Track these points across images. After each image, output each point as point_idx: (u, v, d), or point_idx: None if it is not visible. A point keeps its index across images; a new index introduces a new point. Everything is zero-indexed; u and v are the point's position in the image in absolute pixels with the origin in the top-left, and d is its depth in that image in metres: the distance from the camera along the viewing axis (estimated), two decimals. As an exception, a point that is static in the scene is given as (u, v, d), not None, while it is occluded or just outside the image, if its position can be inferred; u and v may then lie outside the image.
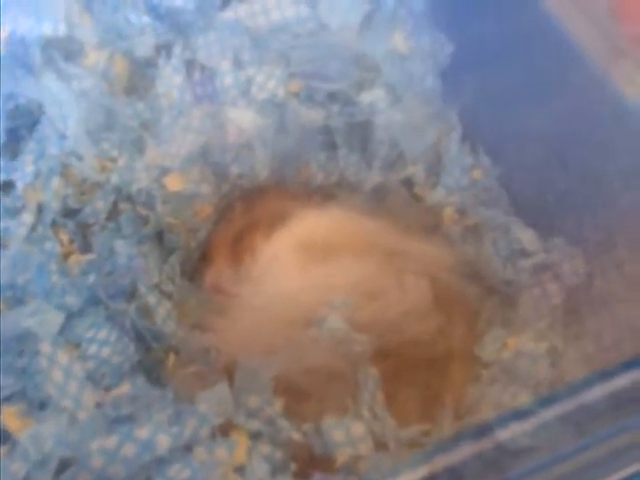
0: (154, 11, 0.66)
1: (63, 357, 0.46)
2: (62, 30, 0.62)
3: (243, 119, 0.60)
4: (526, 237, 0.58)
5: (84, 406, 0.45)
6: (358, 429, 0.47)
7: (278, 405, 0.48)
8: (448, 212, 0.61)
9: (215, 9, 0.66)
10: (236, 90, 0.62)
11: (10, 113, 0.60)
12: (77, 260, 0.57)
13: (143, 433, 0.42)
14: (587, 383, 0.43)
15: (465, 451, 0.40)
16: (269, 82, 0.62)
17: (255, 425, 0.47)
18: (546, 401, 0.41)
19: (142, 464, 0.42)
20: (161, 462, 0.42)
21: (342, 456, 0.46)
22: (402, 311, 0.52)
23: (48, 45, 0.62)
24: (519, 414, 0.41)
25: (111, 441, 0.41)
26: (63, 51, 0.63)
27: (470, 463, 0.39)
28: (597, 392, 0.42)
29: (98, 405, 0.46)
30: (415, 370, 0.51)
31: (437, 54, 0.65)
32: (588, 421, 0.42)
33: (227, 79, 0.62)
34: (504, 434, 0.40)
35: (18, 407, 0.46)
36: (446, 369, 0.52)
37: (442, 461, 0.38)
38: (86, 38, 0.63)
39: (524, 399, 0.50)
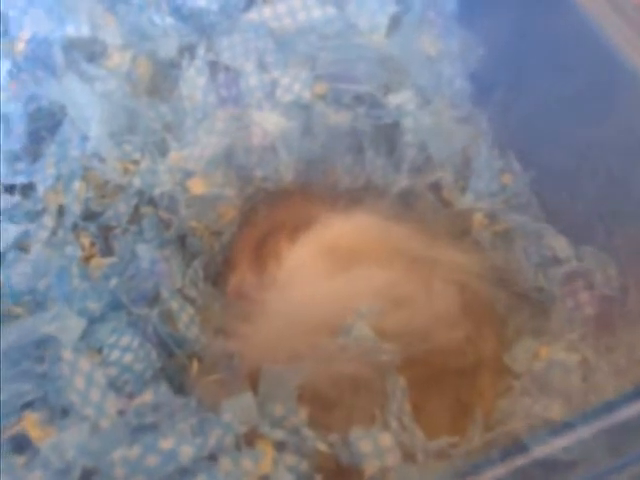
0: (178, 12, 0.66)
1: (85, 364, 0.45)
2: (85, 31, 0.62)
3: (268, 122, 0.59)
4: (558, 244, 0.57)
5: (106, 414, 0.44)
6: (386, 440, 0.45)
7: (303, 414, 0.46)
8: (477, 217, 0.60)
9: (239, 10, 0.66)
10: (261, 92, 0.61)
11: (32, 115, 0.60)
12: (98, 264, 0.56)
13: (166, 443, 0.41)
14: (624, 399, 0.41)
15: (498, 467, 0.39)
16: (294, 84, 0.61)
17: (280, 435, 0.46)
18: (582, 416, 0.39)
19: (165, 475, 0.41)
20: (185, 473, 0.41)
21: (370, 468, 0.45)
22: (430, 319, 0.50)
23: (71, 46, 0.61)
24: (554, 429, 0.40)
25: (134, 451, 0.40)
26: (86, 52, 0.62)
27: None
28: (635, 408, 0.41)
29: (120, 413, 0.45)
30: (444, 380, 0.50)
31: (467, 56, 0.64)
32: (625, 438, 0.41)
33: (252, 81, 0.62)
34: (539, 450, 0.38)
35: (39, 414, 0.45)
36: (476, 379, 0.51)
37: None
38: (109, 39, 0.63)
39: (556, 411, 0.49)
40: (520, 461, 0.40)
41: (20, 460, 0.42)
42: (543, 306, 0.56)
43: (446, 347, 0.50)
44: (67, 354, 0.45)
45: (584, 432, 0.40)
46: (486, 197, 0.60)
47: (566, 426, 0.40)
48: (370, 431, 0.45)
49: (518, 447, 0.41)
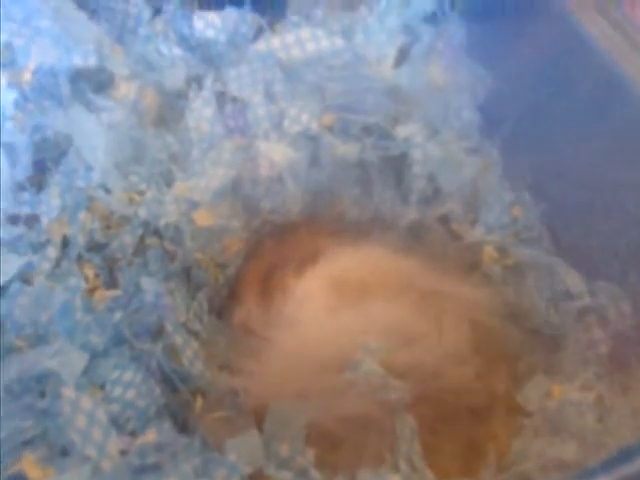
0: (185, 43, 0.66)
1: (86, 402, 0.44)
2: (92, 61, 0.61)
3: (275, 152, 0.59)
4: (570, 279, 0.55)
5: (108, 454, 0.43)
6: (395, 483, 0.44)
7: (310, 455, 0.45)
8: (488, 251, 0.59)
9: (247, 41, 0.65)
10: (268, 123, 0.61)
11: (37, 145, 0.59)
12: (102, 296, 0.55)
13: (169, 485, 0.40)
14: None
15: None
16: (302, 115, 0.60)
17: (286, 476, 0.44)
18: (602, 464, 0.38)
19: (168, 519, 0.39)
20: (188, 517, 0.40)
21: (378, 511, 0.43)
22: (441, 356, 0.49)
23: (77, 76, 0.61)
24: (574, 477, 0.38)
25: (136, 494, 0.39)
26: (92, 82, 0.62)
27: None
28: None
29: (122, 453, 0.44)
30: (455, 419, 0.48)
31: (475, 87, 0.63)
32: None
33: (259, 111, 0.61)
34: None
35: (39, 453, 0.44)
36: (488, 418, 0.50)
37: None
38: (116, 69, 0.62)
39: (570, 453, 0.47)
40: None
41: (19, 502, 0.41)
42: (556, 342, 0.54)
43: (457, 385, 0.49)
44: (68, 391, 0.44)
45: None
46: (496, 230, 0.59)
47: (583, 474, 0.39)
48: (379, 473, 0.44)
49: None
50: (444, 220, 0.61)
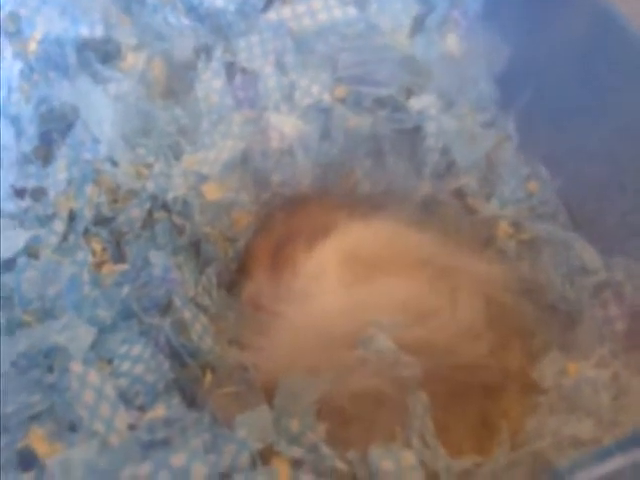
0: (194, 12, 0.64)
1: (94, 377, 0.43)
2: (99, 31, 0.60)
3: (285, 125, 0.57)
4: (587, 254, 0.54)
5: (116, 429, 0.42)
6: (408, 459, 0.43)
7: (321, 430, 0.44)
8: (503, 225, 0.58)
9: (257, 10, 0.64)
10: (279, 94, 0.60)
11: (43, 117, 0.58)
12: (110, 270, 0.54)
13: (178, 460, 0.39)
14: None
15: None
16: (313, 86, 0.59)
17: (297, 452, 0.44)
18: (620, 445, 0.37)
19: (177, 494, 0.39)
20: (197, 492, 0.39)
21: (391, 488, 0.42)
22: (454, 332, 0.48)
23: (84, 47, 0.60)
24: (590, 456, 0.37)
25: (144, 469, 0.39)
26: (99, 53, 0.61)
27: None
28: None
29: (131, 428, 0.43)
30: (468, 396, 0.47)
31: (492, 58, 0.62)
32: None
33: (269, 83, 0.60)
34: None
35: (47, 428, 0.43)
36: (502, 395, 0.49)
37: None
38: (123, 40, 0.61)
39: (586, 431, 0.46)
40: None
41: (26, 477, 0.40)
42: (571, 319, 0.53)
43: (471, 362, 0.48)
44: (76, 366, 0.43)
45: (618, 461, 0.38)
46: (512, 205, 0.58)
47: (599, 453, 0.38)
48: (391, 449, 0.43)
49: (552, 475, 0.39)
50: (458, 194, 0.60)
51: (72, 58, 0.59)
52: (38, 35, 0.59)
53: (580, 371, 0.49)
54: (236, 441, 0.42)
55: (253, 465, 0.42)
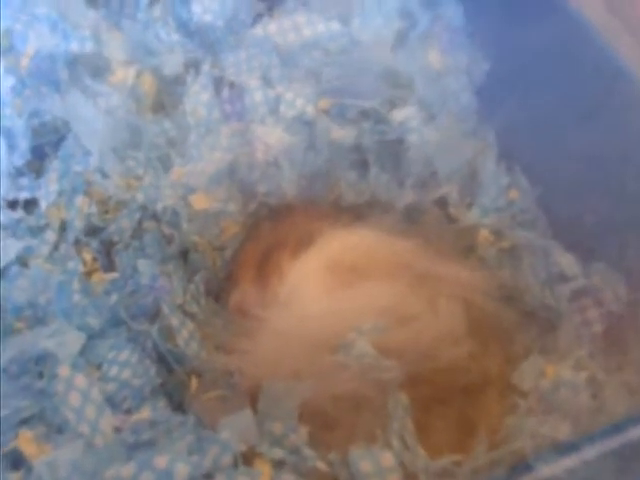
0: (184, 28, 0.66)
1: (81, 380, 0.44)
2: (89, 47, 0.62)
3: (271, 137, 0.59)
4: (565, 261, 0.56)
5: (102, 431, 0.43)
6: (387, 460, 0.44)
7: (303, 433, 0.45)
8: (483, 233, 0.59)
9: (245, 26, 0.66)
10: (265, 107, 0.61)
11: (35, 130, 0.60)
12: (100, 279, 0.55)
13: (162, 462, 0.40)
14: (632, 420, 0.40)
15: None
16: (298, 100, 0.60)
17: (279, 454, 0.45)
18: (590, 438, 0.38)
19: (160, 494, 0.40)
20: (180, 492, 0.40)
21: (370, 489, 0.43)
22: (435, 336, 0.49)
23: (75, 61, 0.61)
24: (560, 450, 0.38)
25: (128, 469, 0.40)
26: (90, 68, 0.62)
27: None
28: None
29: (117, 430, 0.44)
30: (448, 398, 0.48)
31: (473, 71, 0.63)
32: (632, 459, 0.40)
33: (256, 96, 0.61)
34: (544, 470, 0.37)
35: (36, 431, 0.44)
36: (481, 398, 0.49)
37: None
38: (114, 55, 0.63)
39: (563, 431, 0.47)
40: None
41: (15, 477, 0.41)
42: (551, 324, 0.54)
43: (451, 365, 0.48)
44: (63, 370, 0.44)
45: (591, 453, 0.39)
46: (492, 213, 0.59)
47: (572, 447, 0.39)
48: (371, 450, 0.44)
49: (523, 467, 0.40)
50: (440, 203, 0.61)
51: (63, 73, 0.60)
52: (31, 51, 0.61)
53: (558, 373, 0.50)
54: (219, 443, 0.43)
55: (235, 466, 0.43)
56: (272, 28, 0.64)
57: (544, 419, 0.48)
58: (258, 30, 0.64)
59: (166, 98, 0.64)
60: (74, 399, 0.43)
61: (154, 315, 0.53)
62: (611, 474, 0.40)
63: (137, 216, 0.58)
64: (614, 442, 0.39)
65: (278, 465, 0.44)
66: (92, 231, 0.58)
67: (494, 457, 0.46)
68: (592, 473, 0.39)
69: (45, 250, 0.56)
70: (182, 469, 0.40)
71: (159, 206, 0.57)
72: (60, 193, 0.58)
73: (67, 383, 0.44)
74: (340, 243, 0.55)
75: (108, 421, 0.44)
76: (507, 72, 0.62)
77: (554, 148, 0.59)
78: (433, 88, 0.62)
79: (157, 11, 0.66)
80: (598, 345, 0.52)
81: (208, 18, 0.65)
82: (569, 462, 0.38)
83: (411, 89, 0.62)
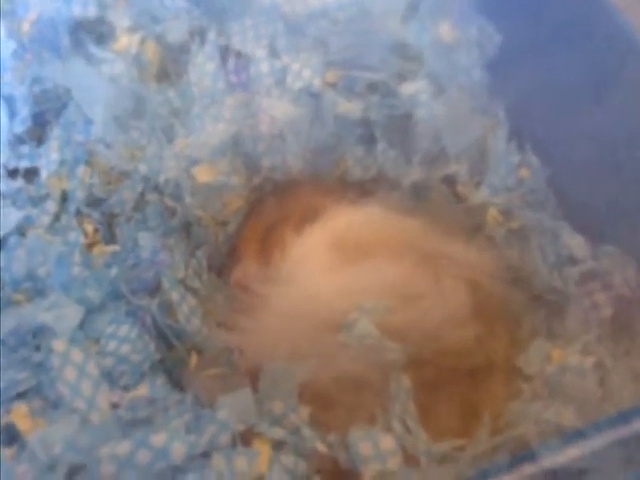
0: (189, -6, 0.64)
1: (77, 355, 0.44)
2: (92, 12, 0.60)
3: (277, 109, 0.57)
4: (575, 243, 0.54)
5: (98, 407, 0.42)
6: (387, 442, 0.44)
7: (304, 413, 0.45)
8: (492, 213, 0.57)
9: (252, -7, 0.64)
10: (271, 79, 0.60)
11: (37, 97, 0.59)
12: (101, 251, 0.55)
13: (158, 440, 0.40)
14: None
15: (506, 475, 0.37)
16: (305, 71, 0.59)
17: (278, 433, 0.44)
18: (595, 425, 0.37)
19: (155, 473, 0.39)
20: (176, 471, 0.40)
21: (369, 471, 0.43)
22: (439, 318, 0.48)
23: (77, 28, 0.60)
24: (566, 438, 0.37)
25: (124, 447, 0.39)
26: (93, 34, 0.61)
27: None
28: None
29: (114, 406, 0.44)
30: (452, 381, 0.48)
31: (484, 45, 0.61)
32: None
33: (262, 67, 0.60)
34: (549, 459, 0.36)
35: (32, 405, 0.44)
36: (485, 381, 0.49)
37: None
38: (117, 21, 0.61)
39: (568, 417, 0.47)
40: (529, 470, 0.38)
41: (9, 452, 0.41)
42: (558, 307, 0.53)
43: (455, 347, 0.48)
44: (58, 345, 0.43)
45: (597, 442, 0.38)
46: (502, 192, 0.58)
47: (578, 435, 0.38)
48: (370, 432, 0.44)
49: (527, 455, 0.39)
50: (448, 181, 0.59)
51: (65, 39, 0.59)
52: (32, 16, 0.59)
53: (564, 358, 0.49)
54: (217, 422, 0.42)
55: (233, 445, 0.42)
56: (280, -4, 0.62)
57: (549, 404, 0.48)
58: (265, -2, 0.62)
59: (170, 67, 0.62)
60: (69, 374, 0.43)
61: (154, 289, 0.52)
62: (617, 463, 0.39)
63: (139, 188, 0.57)
64: (621, 431, 0.38)
65: (277, 445, 0.44)
66: (94, 202, 0.57)
67: (497, 442, 0.45)
68: (597, 462, 0.38)
69: (45, 220, 0.55)
70: (179, 448, 0.40)
71: (162, 178, 0.56)
72: (61, 162, 0.57)
73: (63, 357, 0.43)
74: (345, 220, 0.54)
75: (104, 397, 0.43)
76: (519, 46, 0.61)
77: (566, 126, 0.58)
78: (443, 61, 0.61)
79: (162, -24, 0.64)
80: (606, 330, 0.51)
81: (214, -16, 0.63)
82: (574, 450, 0.37)
83: (421, 62, 0.60)
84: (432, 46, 0.60)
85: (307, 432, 0.44)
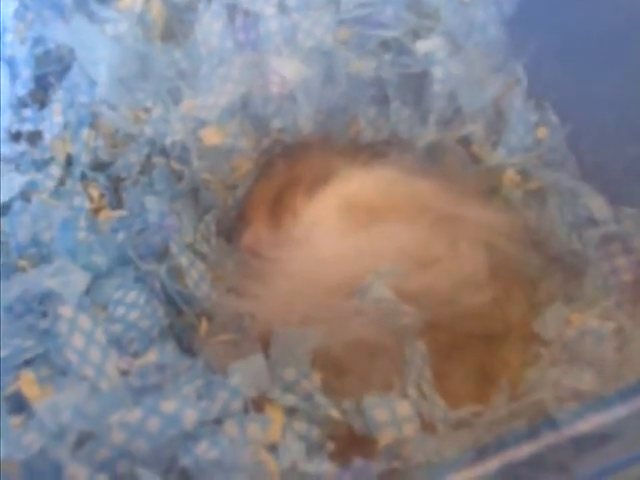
0: (195, -51, 0.62)
1: (85, 322, 0.43)
2: (95, -32, 0.58)
3: (287, 68, 0.56)
4: (595, 204, 0.53)
5: (107, 375, 0.42)
6: (403, 408, 0.43)
7: (316, 379, 0.44)
8: (509, 174, 0.56)
9: (260, -52, 0.61)
10: (280, 37, 0.58)
11: (39, 59, 0.57)
12: (107, 217, 0.53)
13: (169, 406, 0.39)
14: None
15: (525, 443, 0.36)
16: (316, 28, 0.57)
17: (291, 400, 0.43)
18: (618, 392, 0.36)
19: (166, 440, 0.38)
20: (188, 438, 0.39)
21: (385, 437, 0.42)
22: (455, 281, 0.47)
23: (80, -15, 0.58)
24: (587, 406, 0.36)
25: (134, 414, 0.38)
26: (96, -9, 0.59)
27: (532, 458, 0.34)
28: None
29: (123, 373, 0.43)
30: (468, 346, 0.47)
31: (502, 1, 0.59)
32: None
33: (271, 25, 0.58)
34: (569, 428, 0.35)
35: (39, 372, 0.43)
36: (502, 346, 0.48)
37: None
38: (121, -22, 0.59)
39: (587, 383, 0.45)
40: (549, 438, 0.37)
41: (16, 421, 0.40)
42: (577, 270, 0.52)
43: (472, 311, 0.47)
44: (66, 311, 0.42)
45: (620, 409, 0.37)
46: (519, 152, 0.56)
47: (599, 402, 0.37)
48: (386, 399, 0.43)
49: (547, 422, 0.38)
50: (464, 142, 0.58)
51: (68, -3, 0.57)
52: (32, -26, 0.58)
53: (583, 322, 0.48)
54: (229, 388, 0.41)
55: (245, 411, 0.41)
56: (289, -49, 0.60)
57: (567, 369, 0.46)
58: (274, -48, 0.60)
59: (176, 26, 0.61)
60: (77, 340, 0.42)
61: (163, 254, 0.51)
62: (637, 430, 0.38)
63: (145, 151, 0.56)
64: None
65: (290, 412, 0.43)
66: (99, 166, 0.56)
67: (515, 408, 0.44)
68: (620, 428, 0.37)
69: (50, 185, 0.54)
70: (190, 414, 0.39)
71: (168, 140, 0.55)
72: (65, 125, 0.56)
73: (70, 324, 0.42)
74: (358, 182, 0.53)
75: (113, 364, 0.42)
76: (538, 3, 0.58)
77: (587, 84, 0.56)
78: (460, 18, 0.59)
79: None
80: (626, 295, 0.50)
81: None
82: (596, 417, 0.36)
83: (436, 19, 0.59)
84: (448, 2, 0.58)
85: (320, 399, 0.43)
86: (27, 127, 0.56)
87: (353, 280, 0.46)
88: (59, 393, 0.39)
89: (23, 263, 0.50)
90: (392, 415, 0.42)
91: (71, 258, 0.49)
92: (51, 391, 0.41)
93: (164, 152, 0.55)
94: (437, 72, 0.57)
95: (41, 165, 0.55)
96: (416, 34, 0.59)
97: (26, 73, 0.56)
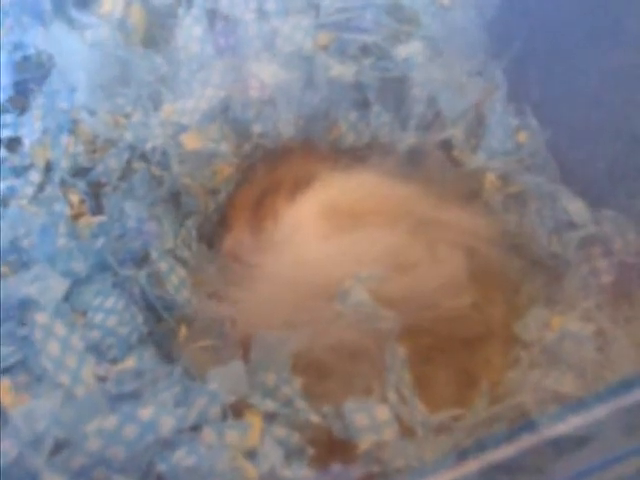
0: (176, -44, 0.62)
1: (61, 328, 0.42)
2: (74, -26, 0.58)
3: (267, 73, 0.56)
4: (574, 207, 0.53)
5: (83, 381, 0.41)
6: (383, 413, 0.42)
7: (297, 384, 0.44)
8: (489, 178, 0.56)
9: (240, -46, 0.61)
10: (260, 42, 0.58)
11: (18, 65, 0.57)
12: (87, 222, 0.53)
13: (146, 413, 0.38)
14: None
15: (504, 445, 0.36)
16: (296, 33, 0.57)
17: (271, 405, 0.43)
18: (596, 395, 0.36)
19: (143, 447, 0.38)
20: (165, 445, 0.39)
21: (365, 442, 0.42)
22: (435, 285, 0.47)
23: (59, -10, 0.58)
24: (566, 407, 0.36)
25: (110, 421, 0.38)
26: (75, -2, 0.59)
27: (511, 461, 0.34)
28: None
29: (100, 380, 0.42)
30: (448, 350, 0.47)
31: (482, 5, 0.59)
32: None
33: (251, 30, 0.58)
34: (549, 429, 0.35)
35: (16, 380, 0.42)
36: (483, 349, 0.48)
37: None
38: (101, -17, 0.59)
39: (567, 385, 0.46)
40: (528, 439, 0.37)
41: (-8, 428, 0.39)
42: (557, 273, 0.52)
43: (452, 315, 0.47)
44: (41, 317, 0.42)
45: (598, 410, 0.37)
46: (499, 156, 0.56)
47: (578, 403, 0.37)
48: (366, 403, 0.42)
49: (526, 424, 0.38)
50: (444, 146, 0.58)
51: (47, 3, 0.57)
52: (11, -20, 0.57)
53: (564, 325, 0.48)
54: (207, 393, 0.41)
55: (224, 418, 0.41)
56: (269, -44, 0.60)
57: (548, 372, 0.47)
58: (254, -42, 0.60)
59: (157, 31, 0.60)
60: (53, 348, 0.41)
61: (142, 260, 0.51)
62: (619, 431, 0.38)
63: (125, 156, 0.55)
64: (622, 399, 0.37)
65: (269, 417, 0.43)
66: (79, 172, 0.55)
67: (495, 411, 0.44)
68: (598, 430, 0.37)
69: (29, 191, 0.54)
70: (167, 421, 0.39)
71: (148, 146, 0.55)
72: (45, 131, 0.55)
73: (46, 331, 0.42)
74: (338, 187, 0.53)
75: (90, 371, 0.42)
76: (518, 6, 0.59)
77: (565, 89, 0.56)
78: (440, 22, 0.59)
79: None
80: (606, 297, 0.50)
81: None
82: (575, 419, 0.36)
83: (416, 23, 0.59)
84: (428, 7, 0.59)
85: (300, 403, 0.43)
86: (6, 133, 0.56)
87: (334, 284, 0.46)
88: (35, 400, 0.39)
89: (4, 269, 0.50)
90: (372, 420, 0.42)
91: (51, 264, 0.48)
92: (26, 399, 0.41)
93: (144, 157, 0.55)
94: (417, 76, 0.57)
95: (21, 171, 0.55)
96: (396, 39, 0.59)
97: (5, 79, 0.56)
